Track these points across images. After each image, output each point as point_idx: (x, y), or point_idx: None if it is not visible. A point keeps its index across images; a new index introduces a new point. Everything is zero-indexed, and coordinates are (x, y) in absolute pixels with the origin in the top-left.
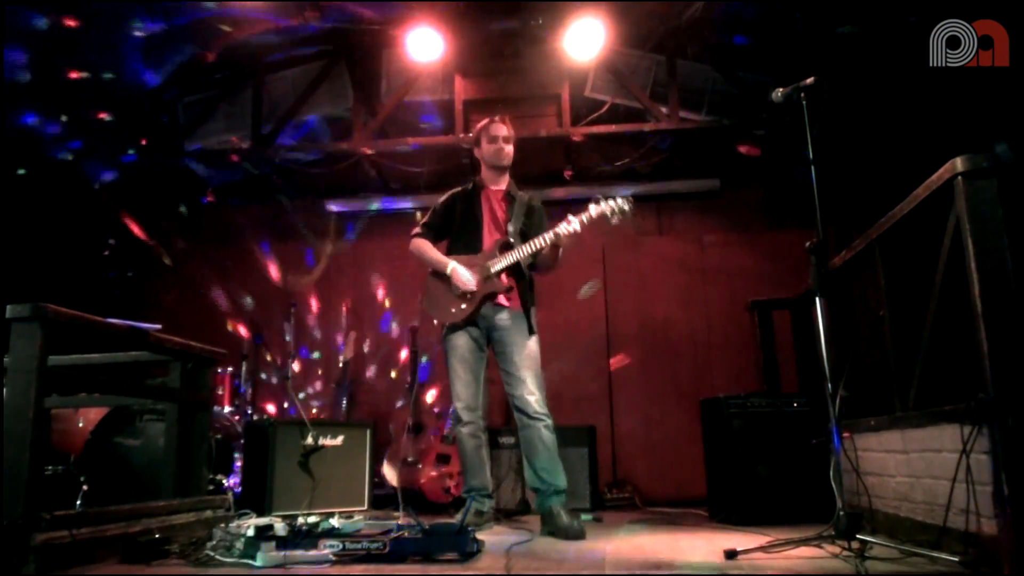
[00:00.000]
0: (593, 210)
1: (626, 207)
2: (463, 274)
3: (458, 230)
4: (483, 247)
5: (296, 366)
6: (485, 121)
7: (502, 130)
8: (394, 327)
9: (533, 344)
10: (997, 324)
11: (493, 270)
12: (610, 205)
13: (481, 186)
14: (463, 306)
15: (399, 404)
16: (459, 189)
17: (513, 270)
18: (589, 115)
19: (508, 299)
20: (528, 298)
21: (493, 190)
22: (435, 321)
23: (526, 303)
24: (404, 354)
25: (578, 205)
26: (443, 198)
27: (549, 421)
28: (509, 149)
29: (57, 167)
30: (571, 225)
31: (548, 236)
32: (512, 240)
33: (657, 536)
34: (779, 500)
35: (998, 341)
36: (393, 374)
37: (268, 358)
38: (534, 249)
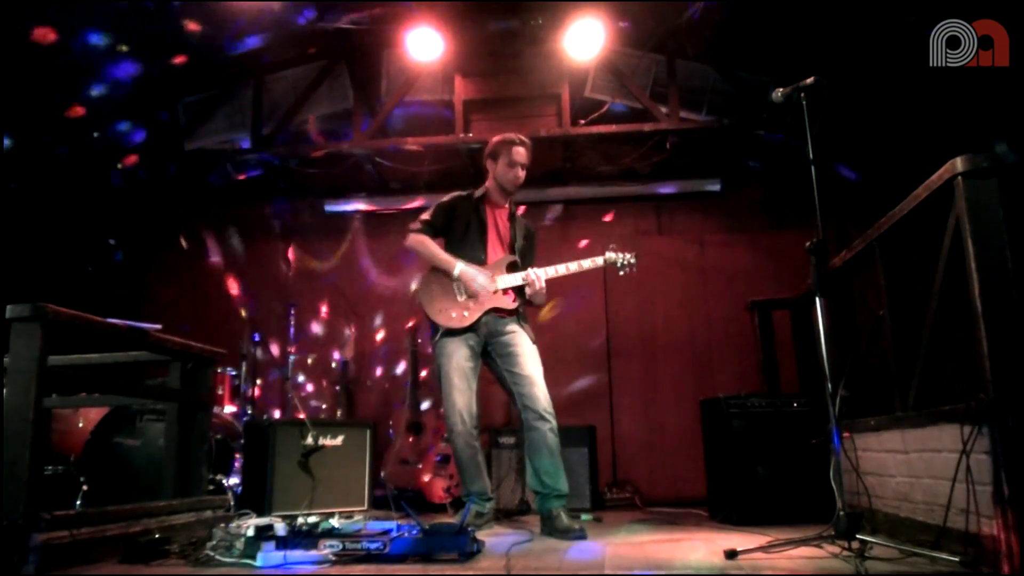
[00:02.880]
0: (608, 255)
1: (633, 261)
2: (476, 276)
3: (461, 236)
4: (487, 259)
5: (296, 366)
6: (510, 138)
7: (523, 157)
8: (394, 327)
9: (536, 349)
10: (997, 324)
11: (501, 286)
12: (621, 256)
13: (488, 199)
14: (465, 313)
15: (398, 404)
16: (464, 194)
17: (517, 290)
18: (589, 115)
19: (508, 311)
20: (524, 315)
21: (499, 206)
22: (431, 321)
23: (522, 314)
24: (403, 354)
25: (576, 205)
26: (447, 199)
27: (554, 424)
28: (523, 176)
29: (57, 167)
30: (584, 264)
31: (560, 269)
32: (517, 260)
33: (657, 536)
34: (779, 500)
35: (998, 341)
36: (393, 374)
37: (268, 358)
38: (547, 276)
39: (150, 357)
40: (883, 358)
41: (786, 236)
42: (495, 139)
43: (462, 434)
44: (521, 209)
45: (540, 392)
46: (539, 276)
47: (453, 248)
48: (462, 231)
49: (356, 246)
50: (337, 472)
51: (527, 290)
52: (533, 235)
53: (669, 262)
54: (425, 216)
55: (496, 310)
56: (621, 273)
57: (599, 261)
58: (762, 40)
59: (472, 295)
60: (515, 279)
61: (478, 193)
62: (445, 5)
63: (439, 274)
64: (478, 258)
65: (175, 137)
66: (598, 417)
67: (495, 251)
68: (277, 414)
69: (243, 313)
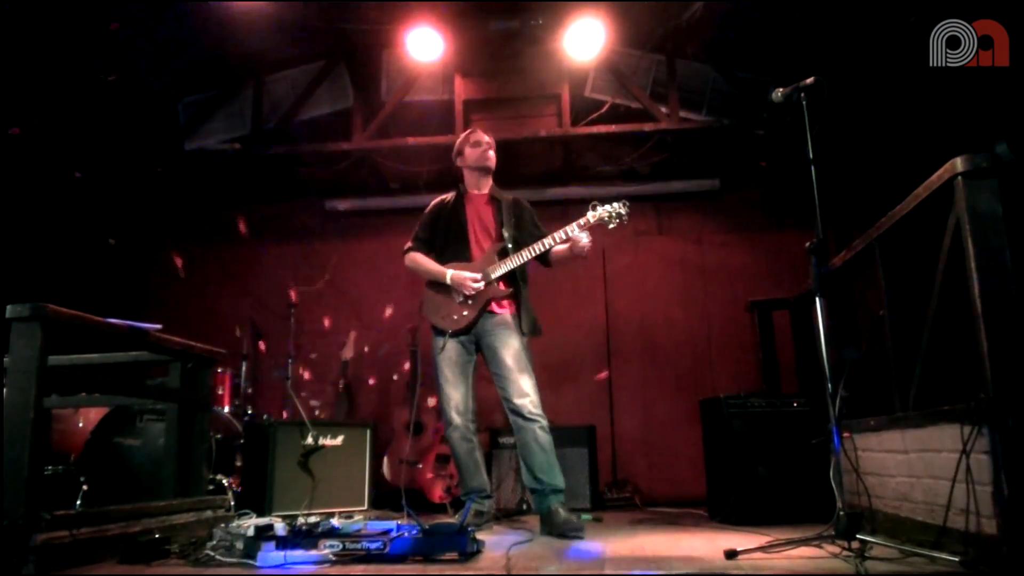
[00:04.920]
0: (591, 216)
1: (623, 211)
2: (464, 276)
3: (444, 240)
4: (472, 255)
5: (296, 366)
6: (466, 132)
7: (484, 136)
8: (394, 327)
9: (524, 346)
10: (997, 324)
11: (493, 276)
12: (607, 210)
13: (465, 192)
14: (465, 313)
15: (398, 404)
16: (444, 197)
17: (509, 276)
18: (589, 115)
19: (500, 305)
20: (521, 302)
21: (476, 195)
22: (431, 324)
23: (518, 307)
24: (404, 354)
25: (576, 205)
26: (428, 210)
27: (544, 422)
28: (493, 153)
29: (58, 166)
30: (569, 231)
31: (547, 242)
32: (509, 246)
33: (657, 536)
34: (779, 500)
35: (998, 341)
36: (393, 374)
37: (268, 358)
38: (532, 255)
39: (150, 357)
40: (883, 358)
41: (786, 236)
42: (457, 141)
43: (458, 428)
44: None
45: (526, 395)
46: (577, 235)
47: (443, 254)
48: (445, 236)
49: (356, 245)
50: (337, 472)
51: (573, 248)
52: (526, 209)
53: (669, 262)
54: (414, 233)
55: (490, 305)
56: (611, 227)
57: (582, 223)
58: (762, 40)
59: (468, 297)
60: (504, 267)
61: (456, 191)
62: (445, 5)
63: (437, 283)
64: (464, 257)
65: (175, 137)
66: (598, 417)
67: (479, 244)
68: (276, 412)
69: (243, 313)
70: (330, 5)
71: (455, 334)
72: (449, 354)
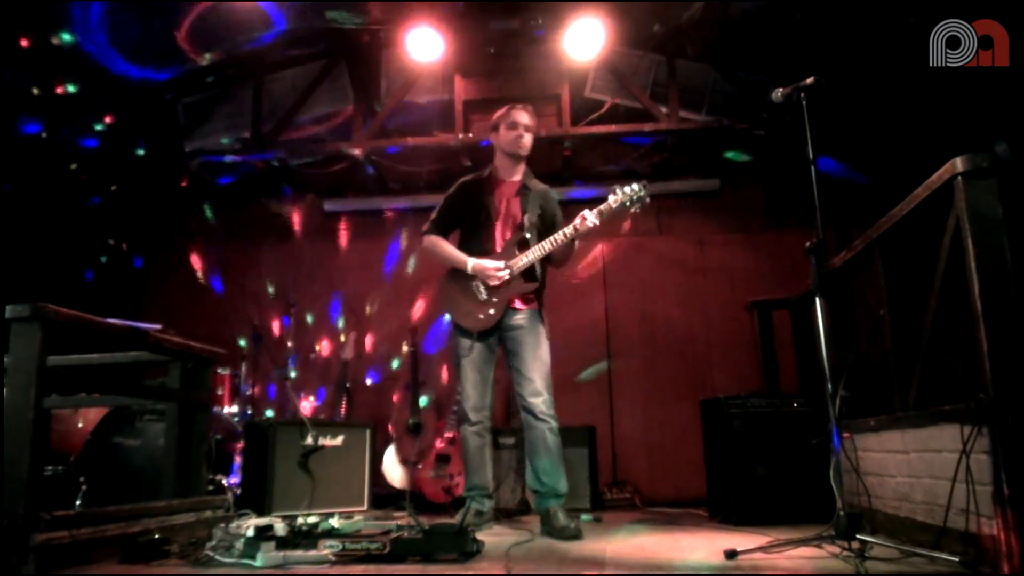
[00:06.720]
0: (612, 200)
1: (642, 192)
2: (487, 266)
3: (471, 225)
4: (496, 247)
5: (296, 366)
6: (507, 107)
7: (524, 117)
8: (394, 327)
9: (545, 346)
10: (997, 324)
11: (516, 271)
12: (626, 193)
13: (495, 177)
14: (491, 311)
15: (397, 403)
16: (470, 178)
17: (529, 270)
18: (589, 115)
19: (523, 301)
20: (542, 298)
21: (507, 182)
22: (453, 322)
23: (540, 304)
24: (404, 354)
25: (577, 205)
26: (453, 189)
27: (554, 424)
28: (528, 139)
29: (57, 167)
30: (588, 220)
31: (568, 231)
32: (528, 236)
33: (657, 536)
34: (779, 500)
35: (998, 341)
36: (393, 374)
37: (268, 358)
38: (552, 247)
39: (150, 357)
40: (883, 358)
41: (786, 236)
42: (496, 113)
43: (475, 424)
44: None
45: (540, 394)
46: (587, 215)
47: (466, 239)
48: (472, 220)
49: (356, 246)
50: (337, 472)
51: (580, 230)
52: (552, 201)
53: (669, 262)
54: (433, 215)
55: (513, 301)
56: (634, 211)
57: (603, 209)
58: (762, 40)
59: (492, 289)
60: (524, 259)
61: (485, 173)
62: (445, 5)
63: (457, 275)
64: (486, 248)
65: (175, 137)
66: (598, 417)
67: (504, 235)
68: (275, 412)
69: (243, 313)
70: (330, 5)
71: (482, 335)
72: (472, 354)
